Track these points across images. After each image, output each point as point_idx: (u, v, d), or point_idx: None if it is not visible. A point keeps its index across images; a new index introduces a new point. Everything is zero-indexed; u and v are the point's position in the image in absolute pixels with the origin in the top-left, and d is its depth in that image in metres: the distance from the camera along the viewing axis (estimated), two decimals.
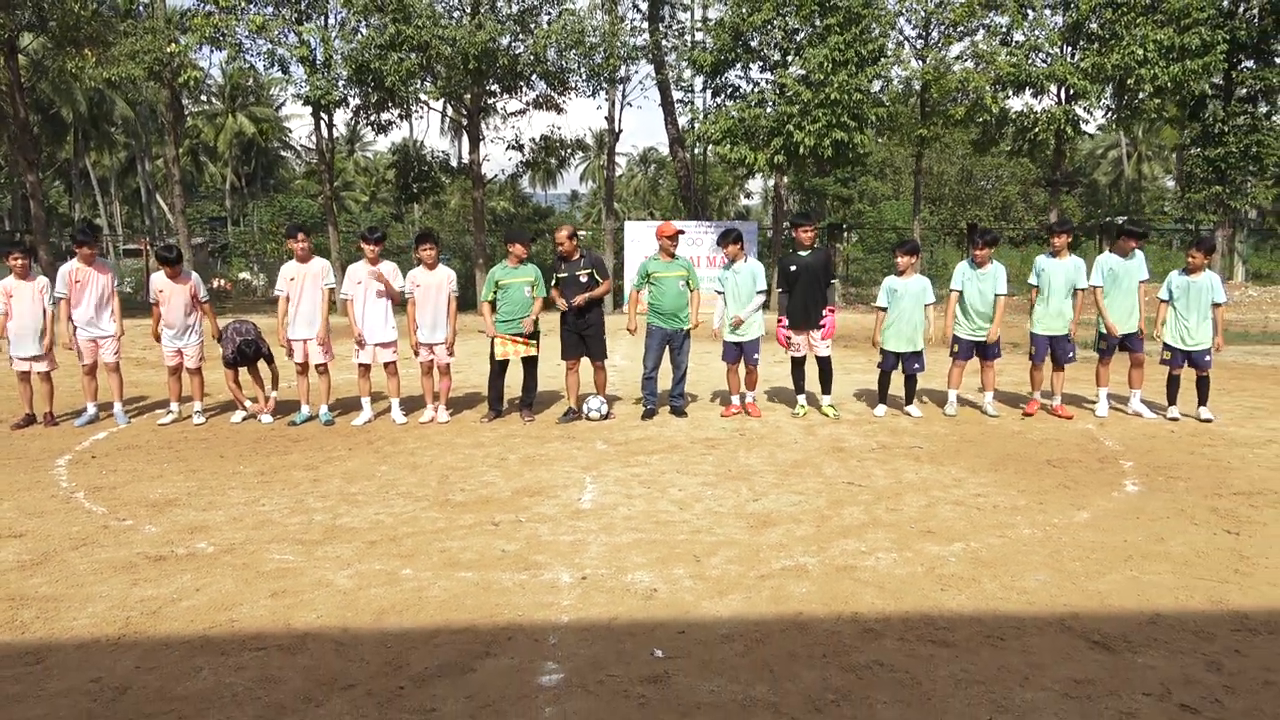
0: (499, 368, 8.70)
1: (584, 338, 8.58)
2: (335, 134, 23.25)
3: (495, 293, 8.60)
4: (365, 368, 8.61)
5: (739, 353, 8.74)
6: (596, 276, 8.52)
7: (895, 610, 4.13)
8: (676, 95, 24.99)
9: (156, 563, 4.85)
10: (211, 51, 21.36)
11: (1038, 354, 8.72)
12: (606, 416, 8.51)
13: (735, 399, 8.90)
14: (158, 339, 8.66)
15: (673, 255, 8.75)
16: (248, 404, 8.88)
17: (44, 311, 8.54)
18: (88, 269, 8.51)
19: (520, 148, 24.06)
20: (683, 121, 25.67)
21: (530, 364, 8.71)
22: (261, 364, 8.82)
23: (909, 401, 8.75)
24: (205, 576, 4.62)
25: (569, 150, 23.73)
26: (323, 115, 21.58)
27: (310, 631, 3.93)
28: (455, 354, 8.85)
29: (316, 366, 8.62)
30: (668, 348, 8.76)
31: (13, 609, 4.23)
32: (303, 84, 19.97)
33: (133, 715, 3.26)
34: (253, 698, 3.36)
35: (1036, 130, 21.37)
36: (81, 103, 45.49)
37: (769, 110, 20.98)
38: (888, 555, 4.87)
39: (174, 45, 19.84)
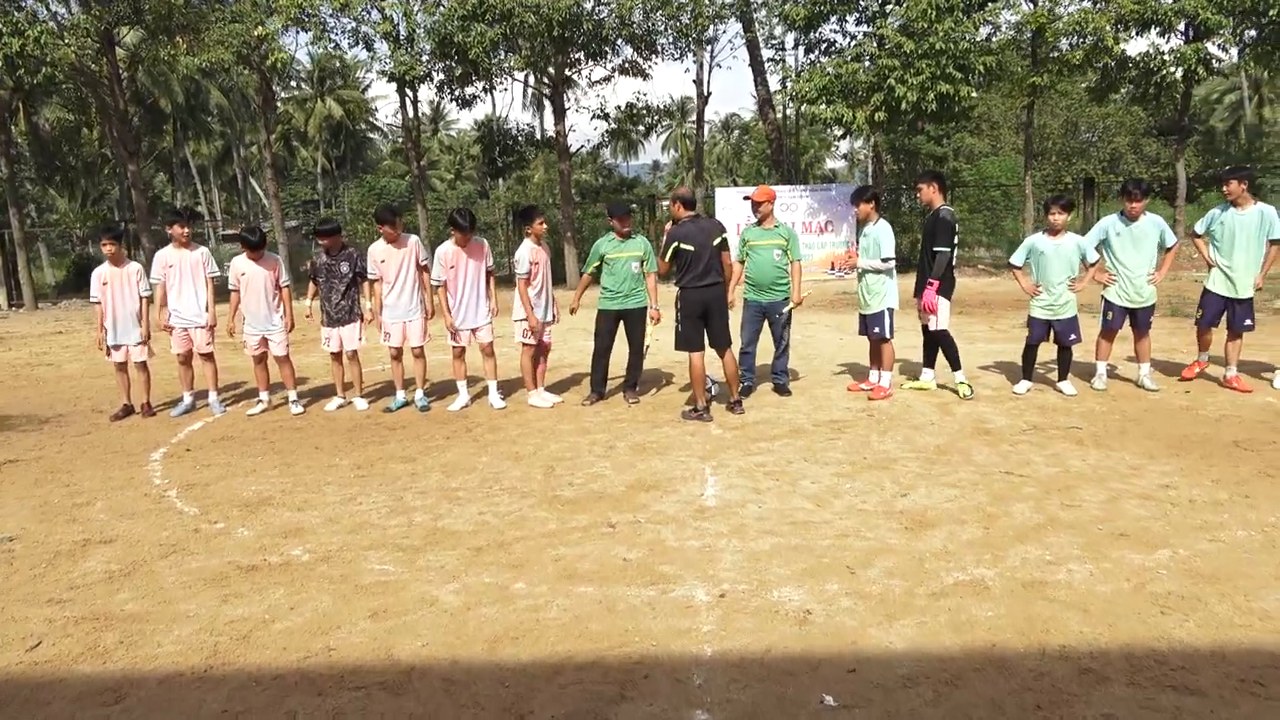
0: (603, 346, 8.12)
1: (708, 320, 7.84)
2: (420, 112, 23.02)
3: (600, 266, 8.01)
4: (461, 350, 8.15)
5: (864, 326, 7.97)
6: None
7: (1111, 642, 3.38)
8: (767, 54, 23.89)
9: (248, 574, 4.43)
10: (297, 33, 21.14)
11: (1206, 316, 7.69)
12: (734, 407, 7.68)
13: (873, 376, 8.09)
14: (232, 332, 8.33)
15: (772, 223, 7.99)
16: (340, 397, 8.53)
17: (139, 299, 8.34)
18: (179, 253, 8.24)
19: (606, 116, 23.40)
20: (773, 82, 24.60)
21: (639, 342, 8.11)
22: (347, 362, 8.40)
23: (1062, 377, 7.80)
24: (300, 591, 4.17)
25: (655, 117, 22.94)
26: (407, 91, 21.31)
27: (416, 665, 3.42)
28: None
29: (413, 350, 8.20)
30: (765, 322, 8.05)
31: (96, 631, 3.85)
32: (387, 60, 19.69)
33: None
34: None
35: (1163, 73, 19.59)
36: (178, 93, 46.70)
37: (867, 65, 19.76)
38: (1081, 567, 4.09)
39: (261, 28, 19.78)
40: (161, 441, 7.44)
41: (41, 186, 41.68)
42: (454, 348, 8.14)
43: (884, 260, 7.66)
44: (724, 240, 7.37)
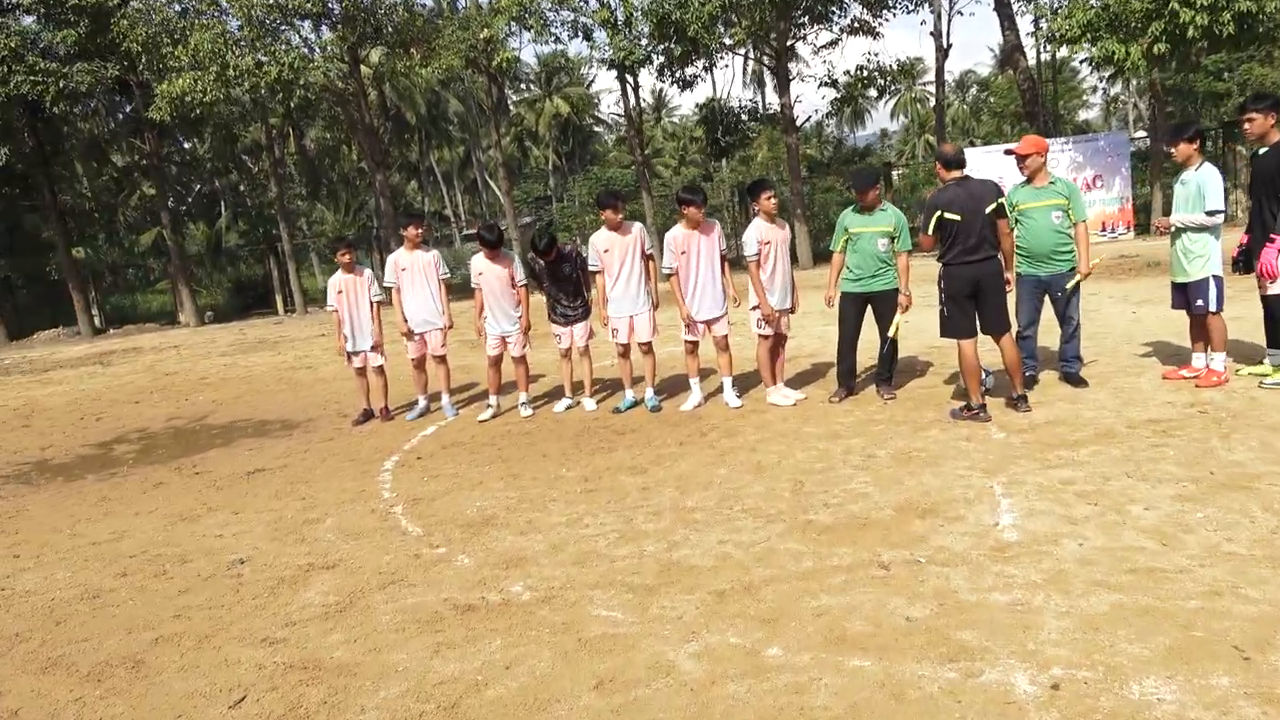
0: (849, 334, 7.11)
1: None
2: (641, 98, 22.72)
3: (845, 242, 7.02)
4: (694, 344, 7.43)
5: (1182, 298, 6.41)
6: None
7: None
8: None
9: (464, 615, 3.91)
10: (520, 31, 21.43)
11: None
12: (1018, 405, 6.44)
13: (1197, 359, 6.53)
14: (480, 333, 8.09)
15: (1045, 179, 6.59)
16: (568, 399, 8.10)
17: (371, 304, 8.33)
18: (411, 255, 8.13)
19: (835, 83, 21.95)
20: (1024, 24, 22.01)
21: (886, 320, 7.04)
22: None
23: None
24: (518, 644, 3.58)
25: (890, 78, 21.18)
26: (628, 77, 21.02)
27: None
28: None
29: (641, 345, 7.60)
30: (1046, 298, 6.67)
31: (303, 684, 3.44)
32: (606, 48, 19.45)
33: None
34: None
35: None
36: (420, 104, 49.93)
37: None
38: None
39: (486, 30, 20.22)
40: (395, 448, 7.30)
41: (310, 201, 46.08)
42: (687, 342, 7.44)
43: (1209, 214, 6.06)
44: (1000, 206, 6.11)
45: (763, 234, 7.05)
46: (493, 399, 8.17)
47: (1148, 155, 20.60)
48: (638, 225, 7.61)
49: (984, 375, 6.47)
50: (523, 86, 61.81)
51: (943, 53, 20.26)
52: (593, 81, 64.01)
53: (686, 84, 21.78)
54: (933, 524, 4.37)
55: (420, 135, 54.63)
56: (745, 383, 7.99)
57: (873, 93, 22.30)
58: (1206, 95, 31.14)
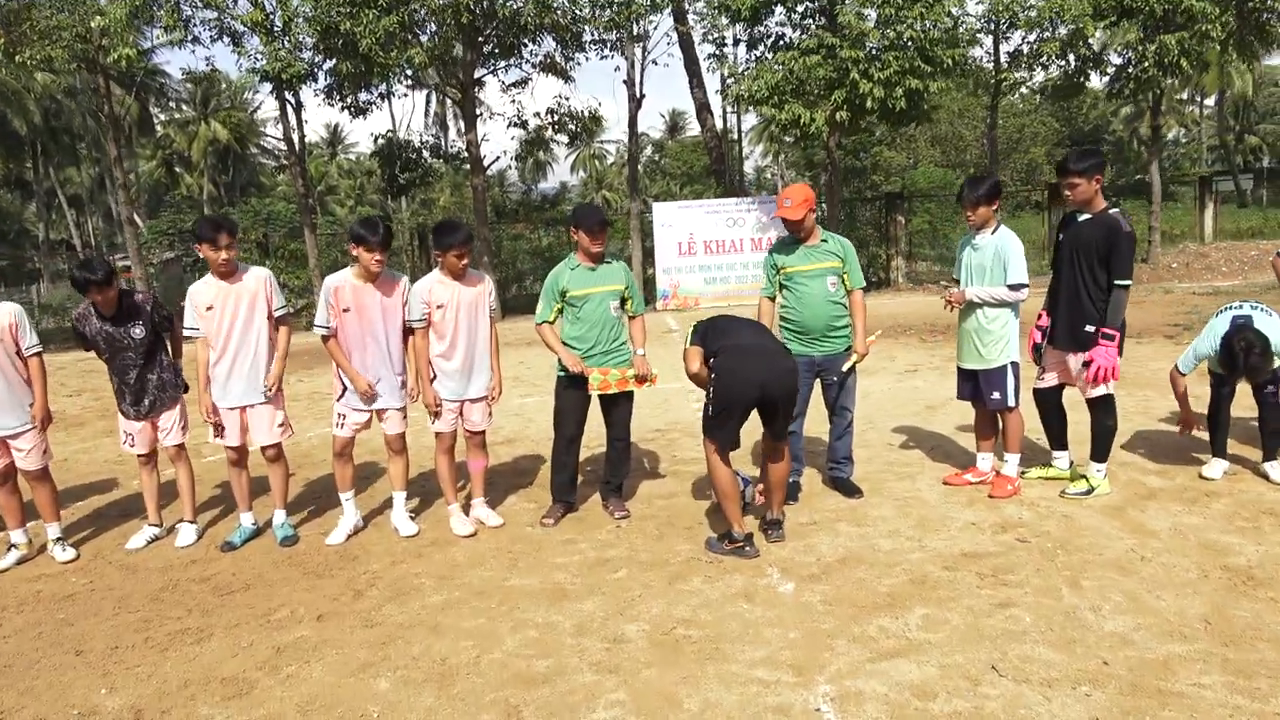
0: (569, 432, 5.20)
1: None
2: (306, 123, 19.62)
3: (559, 309, 5.13)
4: (348, 443, 5.11)
5: (971, 387, 5.25)
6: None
7: None
8: (706, 50, 21.21)
9: None
10: (150, 28, 17.58)
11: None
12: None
13: (983, 461, 5.38)
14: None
15: (818, 237, 5.21)
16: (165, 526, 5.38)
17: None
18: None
19: (524, 124, 20.46)
20: (712, 82, 22.06)
21: (622, 412, 5.24)
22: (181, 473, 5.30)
23: (1269, 457, 5.20)
24: None
25: (582, 123, 20.07)
26: (287, 95, 17.94)
27: None
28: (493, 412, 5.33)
29: (266, 450, 5.14)
30: (818, 382, 5.27)
31: None
32: (259, 56, 16.32)
33: None
34: None
35: (1144, 65, 17.73)
36: (35, 112, 42.04)
37: (824, 58, 17.34)
38: None
39: (99, 18, 16.20)
40: None
41: None
42: (339, 439, 5.10)
43: (1012, 288, 4.94)
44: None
45: (431, 294, 4.96)
46: (17, 537, 5.19)
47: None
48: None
49: (743, 488, 4.85)
50: (171, 105, 54.99)
51: (635, 101, 19.53)
52: (259, 107, 58.30)
53: (360, 110, 19.08)
54: None
55: (35, 149, 46.02)
56: (422, 489, 5.79)
57: (563, 137, 21.10)
58: (848, 170, 33.69)
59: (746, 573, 4.26)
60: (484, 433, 5.24)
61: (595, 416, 5.26)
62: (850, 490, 5.33)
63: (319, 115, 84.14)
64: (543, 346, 6.00)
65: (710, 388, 4.40)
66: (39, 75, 17.07)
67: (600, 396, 5.16)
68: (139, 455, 5.28)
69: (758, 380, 4.31)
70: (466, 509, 5.30)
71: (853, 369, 5.21)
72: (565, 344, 5.10)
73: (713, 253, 19.70)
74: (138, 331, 5.12)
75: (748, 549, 4.47)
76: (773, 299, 5.28)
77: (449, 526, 5.15)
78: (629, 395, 5.23)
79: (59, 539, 5.21)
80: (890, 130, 24.94)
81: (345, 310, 4.90)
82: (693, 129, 55.13)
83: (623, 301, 5.14)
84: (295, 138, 18.70)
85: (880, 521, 4.86)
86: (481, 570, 4.54)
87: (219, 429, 5.09)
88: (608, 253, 5.18)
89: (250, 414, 5.07)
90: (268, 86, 16.90)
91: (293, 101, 18.34)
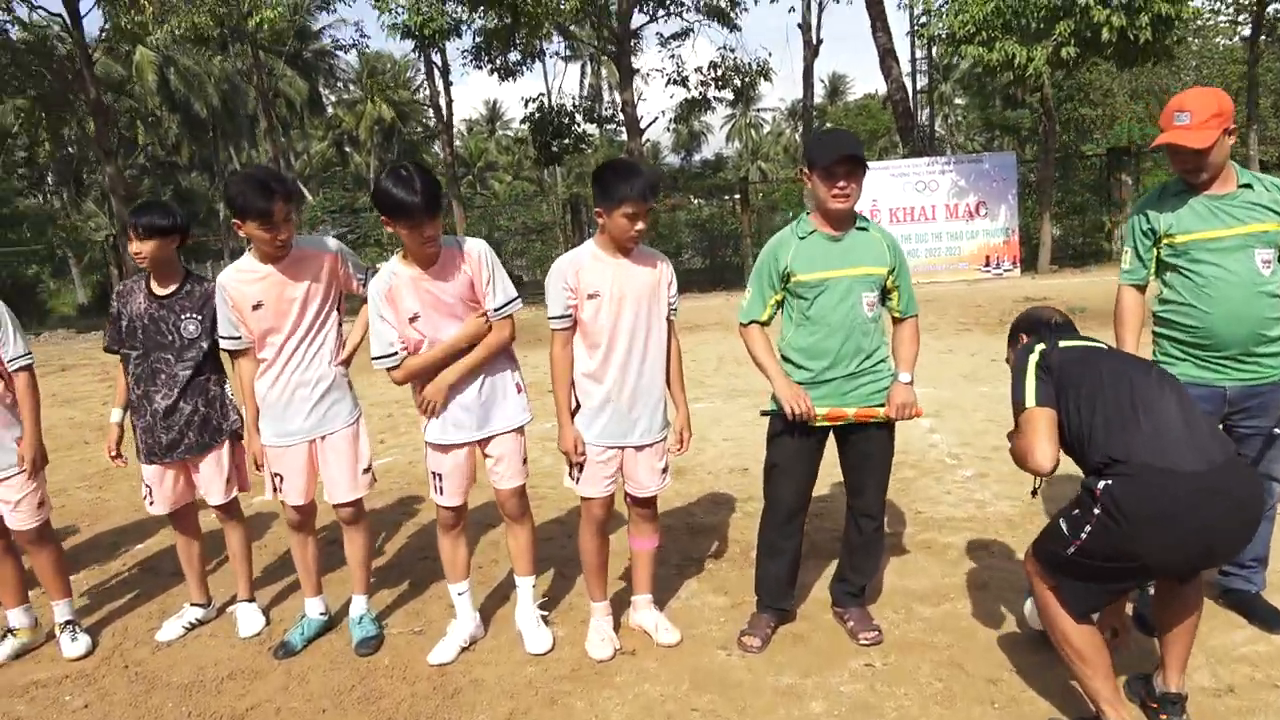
0: (792, 505, 3.25)
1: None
2: (467, 102, 18.43)
3: (777, 302, 3.18)
4: (458, 511, 3.39)
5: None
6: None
7: None
8: None
9: None
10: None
11: None
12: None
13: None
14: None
15: (1233, 184, 2.99)
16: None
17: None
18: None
19: (684, 81, 18.47)
20: (899, 23, 19.32)
21: (876, 468, 3.26)
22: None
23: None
24: None
25: (751, 76, 17.88)
26: (433, 57, 16.71)
27: None
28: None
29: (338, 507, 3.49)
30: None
31: None
32: (399, 10, 15.06)
33: None
34: None
35: None
36: (213, 95, 43.85)
37: None
38: None
39: None
40: None
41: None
42: (444, 510, 3.39)
43: None
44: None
45: (587, 278, 3.09)
46: (16, 616, 3.77)
47: (1033, 182, 18.26)
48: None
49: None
50: (339, 85, 57.02)
51: (812, 48, 17.15)
52: (419, 86, 59.26)
53: (509, 72, 17.70)
54: None
55: (215, 132, 48.16)
56: (557, 586, 4.02)
57: (729, 94, 18.95)
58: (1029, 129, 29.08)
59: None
60: (655, 499, 3.36)
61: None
62: (1268, 617, 3.12)
63: (477, 91, 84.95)
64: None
65: (1088, 524, 2.31)
66: (159, 30, 16.60)
67: (837, 438, 3.18)
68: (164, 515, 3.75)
69: (1204, 541, 2.24)
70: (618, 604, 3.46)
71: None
72: (785, 359, 3.15)
73: (900, 221, 17.14)
74: (191, 328, 3.56)
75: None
76: (1142, 289, 3.12)
77: (586, 638, 3.33)
78: (885, 435, 3.20)
79: (68, 622, 3.74)
80: (1120, 69, 21.17)
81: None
82: (854, 93, 51.42)
83: (884, 294, 3.12)
84: (442, 103, 17.49)
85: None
86: None
87: (277, 480, 3.47)
88: (845, 216, 3.13)
89: (321, 452, 3.41)
90: (388, 18, 15.46)
91: (439, 65, 17.11)
